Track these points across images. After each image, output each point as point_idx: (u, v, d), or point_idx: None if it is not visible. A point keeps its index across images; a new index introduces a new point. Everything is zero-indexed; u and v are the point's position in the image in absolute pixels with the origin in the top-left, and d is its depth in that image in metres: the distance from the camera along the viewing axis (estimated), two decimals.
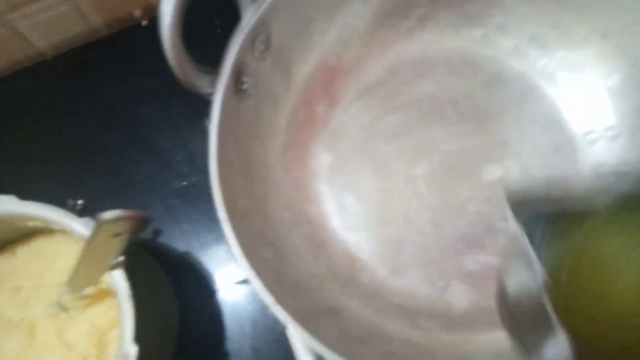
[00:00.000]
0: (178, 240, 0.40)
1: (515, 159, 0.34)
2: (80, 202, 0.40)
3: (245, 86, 0.29)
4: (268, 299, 0.24)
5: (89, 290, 0.33)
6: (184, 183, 0.41)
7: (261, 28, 0.29)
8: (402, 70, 0.36)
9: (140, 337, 0.28)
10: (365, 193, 0.34)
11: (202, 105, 0.36)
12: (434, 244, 0.33)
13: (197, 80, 0.26)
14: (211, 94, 0.27)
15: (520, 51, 0.35)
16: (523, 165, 0.34)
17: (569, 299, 0.18)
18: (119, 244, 0.29)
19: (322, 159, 0.35)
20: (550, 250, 0.18)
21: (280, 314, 0.23)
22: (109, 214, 0.25)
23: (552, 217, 0.18)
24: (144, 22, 0.45)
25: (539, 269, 0.18)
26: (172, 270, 0.39)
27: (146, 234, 0.40)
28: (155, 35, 0.44)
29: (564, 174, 0.34)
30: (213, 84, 0.27)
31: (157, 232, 0.41)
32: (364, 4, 0.33)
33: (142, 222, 0.27)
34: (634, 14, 0.30)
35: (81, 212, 0.40)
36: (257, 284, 0.24)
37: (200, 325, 0.38)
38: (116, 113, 0.43)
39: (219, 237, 0.39)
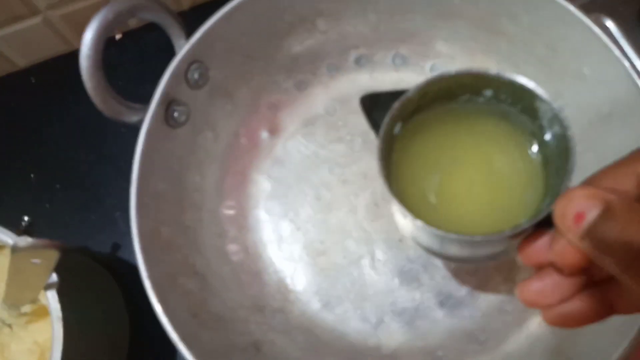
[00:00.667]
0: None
1: None
2: (26, 218, 0.40)
3: (176, 114, 0.29)
4: (173, 335, 0.23)
5: (27, 308, 0.33)
6: None
7: (194, 63, 0.28)
8: (349, 100, 0.36)
9: (74, 357, 0.28)
10: (304, 222, 0.34)
11: None
12: (370, 278, 0.32)
13: (122, 112, 0.26)
14: (140, 123, 0.27)
15: None
16: None
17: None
18: (43, 267, 0.29)
19: (262, 186, 0.34)
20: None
21: (183, 351, 0.23)
22: (22, 241, 0.25)
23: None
24: (118, 36, 0.45)
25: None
26: (129, 286, 0.38)
27: (105, 249, 0.40)
28: (128, 53, 0.44)
29: None
30: (140, 115, 0.27)
31: (116, 247, 0.41)
32: (300, 44, 0.33)
33: (59, 250, 0.27)
34: None
35: (27, 229, 0.40)
36: (163, 320, 0.23)
37: (153, 340, 0.38)
38: (88, 129, 0.43)
39: None
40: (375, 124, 0.22)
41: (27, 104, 0.44)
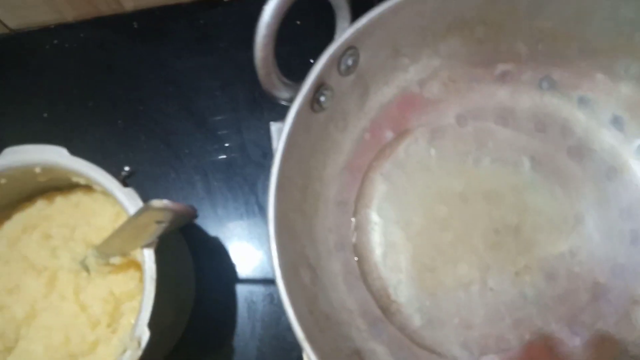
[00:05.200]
0: (210, 223, 0.39)
1: (585, 238, 0.32)
2: (127, 169, 0.40)
3: (322, 99, 0.28)
4: (299, 332, 0.22)
5: (116, 260, 0.32)
6: (227, 162, 0.40)
7: (350, 48, 0.27)
8: (483, 115, 0.34)
9: (155, 321, 0.28)
10: (416, 233, 0.32)
11: (268, 102, 0.35)
12: (478, 307, 0.31)
13: (279, 87, 0.25)
14: (286, 100, 0.26)
15: (617, 124, 0.33)
16: (593, 247, 0.31)
17: None
18: (158, 228, 0.28)
19: (378, 186, 0.33)
20: None
21: (308, 350, 0.22)
22: (158, 203, 0.24)
23: None
24: None
25: None
26: (198, 253, 0.38)
27: None
28: (235, 16, 0.43)
29: (634, 268, 0.31)
30: (291, 93, 0.26)
31: None
32: (451, 49, 0.31)
33: (188, 216, 0.26)
34: None
35: (126, 179, 0.39)
36: (290, 314, 0.22)
37: (213, 315, 0.38)
38: (179, 84, 0.42)
39: (251, 230, 0.38)
40: None
41: (125, 49, 0.44)
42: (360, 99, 0.32)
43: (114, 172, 0.30)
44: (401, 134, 0.34)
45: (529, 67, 0.34)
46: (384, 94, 0.33)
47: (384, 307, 0.31)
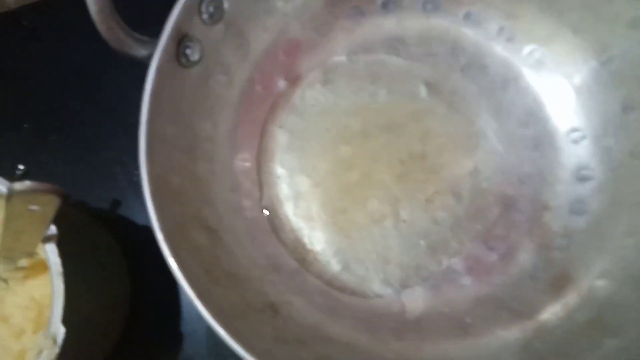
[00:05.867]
0: (138, 214, 0.38)
1: (489, 152, 0.31)
2: (21, 167, 0.37)
3: (189, 52, 0.26)
4: (189, 291, 0.21)
5: (23, 262, 0.31)
6: None
7: None
8: (373, 48, 0.33)
9: (74, 316, 0.26)
10: (323, 179, 0.31)
11: None
12: (393, 240, 0.30)
13: (130, 44, 0.23)
14: (146, 58, 0.24)
15: (504, 34, 0.32)
16: (497, 160, 0.31)
17: None
18: (42, 216, 0.26)
19: (278, 138, 0.32)
20: None
21: (201, 309, 0.20)
22: (19, 185, 0.22)
23: None
24: None
25: None
26: (129, 245, 0.36)
27: (104, 205, 0.38)
28: None
29: (539, 174, 0.31)
30: (150, 50, 0.24)
31: (116, 203, 0.38)
32: None
33: (59, 196, 0.24)
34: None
35: (21, 179, 0.37)
36: (178, 274, 0.21)
37: (154, 304, 0.36)
38: (85, 77, 0.40)
39: None
40: None
41: (18, 49, 0.41)
42: (239, 49, 0.30)
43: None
44: (294, 80, 0.33)
45: None
46: (265, 40, 0.31)
47: (300, 258, 0.30)
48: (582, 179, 0.30)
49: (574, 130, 0.31)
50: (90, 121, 0.39)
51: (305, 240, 0.30)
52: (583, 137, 0.30)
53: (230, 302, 0.23)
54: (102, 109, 0.40)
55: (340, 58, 0.33)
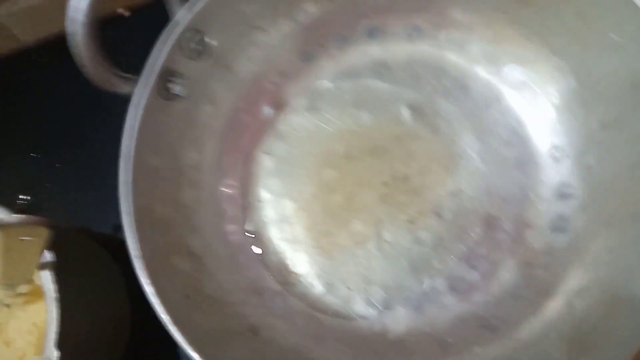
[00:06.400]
0: None
1: (472, 173, 0.32)
2: (23, 197, 0.39)
3: (173, 86, 0.28)
4: (164, 317, 0.22)
5: (23, 288, 0.32)
6: None
7: (190, 29, 0.27)
8: (358, 74, 0.34)
9: (70, 340, 0.27)
10: (308, 202, 0.32)
11: None
12: (376, 262, 0.31)
13: (112, 81, 0.25)
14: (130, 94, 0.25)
15: (485, 56, 0.33)
16: (480, 180, 0.32)
17: None
18: (35, 246, 0.28)
19: (264, 163, 0.33)
20: None
21: (175, 334, 0.21)
22: (8, 218, 0.24)
23: None
24: (127, 14, 0.43)
25: None
26: (131, 269, 0.37)
27: (106, 229, 0.39)
28: (138, 27, 0.43)
29: (521, 193, 0.31)
30: (134, 86, 0.25)
31: (117, 228, 0.40)
32: (307, 14, 0.31)
33: (48, 227, 0.25)
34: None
35: (24, 209, 0.39)
36: (154, 301, 0.22)
37: (155, 328, 0.37)
38: (92, 107, 0.41)
39: None
40: None
41: (30, 82, 0.43)
42: (224, 80, 0.32)
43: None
44: (279, 107, 0.34)
45: (393, 17, 0.34)
46: (251, 70, 0.33)
47: (283, 281, 0.30)
48: (564, 196, 0.30)
49: (556, 148, 0.31)
50: (96, 150, 0.41)
51: (289, 262, 0.31)
52: (564, 156, 0.31)
53: (211, 326, 0.24)
54: (108, 139, 0.41)
55: (326, 84, 0.34)
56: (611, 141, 0.28)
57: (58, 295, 0.29)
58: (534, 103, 0.32)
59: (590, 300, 0.26)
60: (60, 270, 0.29)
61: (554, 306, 0.27)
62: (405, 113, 0.34)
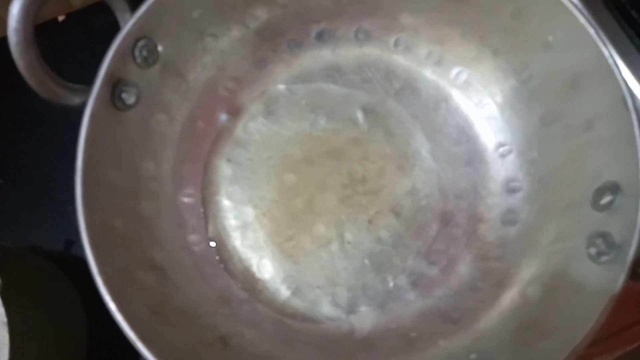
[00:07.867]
0: None
1: (426, 171, 0.33)
2: None
3: (125, 96, 0.27)
4: (130, 334, 0.21)
5: None
6: None
7: (140, 37, 0.26)
8: (311, 76, 0.34)
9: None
10: (270, 208, 0.32)
11: None
12: (340, 262, 0.31)
13: (61, 93, 0.24)
14: (81, 106, 0.25)
15: (433, 58, 0.34)
16: (434, 178, 0.33)
17: None
18: None
19: (223, 171, 0.33)
20: None
21: (143, 351, 0.21)
22: None
23: None
24: (61, 18, 0.41)
25: None
26: (85, 284, 0.35)
27: (58, 246, 0.38)
28: (74, 33, 0.41)
29: (473, 188, 0.32)
30: (84, 97, 0.24)
31: (69, 244, 0.38)
32: (258, 20, 0.31)
33: None
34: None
35: None
36: (119, 318, 0.21)
37: (116, 346, 0.36)
38: (34, 120, 0.39)
39: None
40: None
41: None
42: (178, 88, 0.31)
43: None
44: (235, 113, 0.34)
45: (341, 21, 0.34)
46: (204, 77, 0.32)
47: (250, 288, 0.30)
48: (511, 190, 0.32)
49: (501, 145, 0.33)
50: (42, 164, 0.39)
51: (254, 269, 0.31)
52: (510, 151, 0.32)
53: (180, 340, 0.24)
54: (54, 152, 0.39)
55: (280, 89, 0.35)
56: (552, 136, 0.30)
57: (7, 320, 0.27)
58: (479, 103, 0.34)
59: (542, 287, 0.27)
60: (8, 293, 0.27)
61: (509, 295, 0.28)
62: (360, 116, 0.34)
